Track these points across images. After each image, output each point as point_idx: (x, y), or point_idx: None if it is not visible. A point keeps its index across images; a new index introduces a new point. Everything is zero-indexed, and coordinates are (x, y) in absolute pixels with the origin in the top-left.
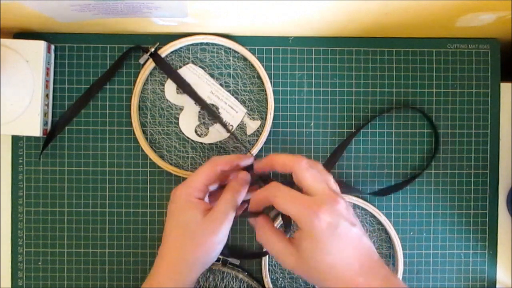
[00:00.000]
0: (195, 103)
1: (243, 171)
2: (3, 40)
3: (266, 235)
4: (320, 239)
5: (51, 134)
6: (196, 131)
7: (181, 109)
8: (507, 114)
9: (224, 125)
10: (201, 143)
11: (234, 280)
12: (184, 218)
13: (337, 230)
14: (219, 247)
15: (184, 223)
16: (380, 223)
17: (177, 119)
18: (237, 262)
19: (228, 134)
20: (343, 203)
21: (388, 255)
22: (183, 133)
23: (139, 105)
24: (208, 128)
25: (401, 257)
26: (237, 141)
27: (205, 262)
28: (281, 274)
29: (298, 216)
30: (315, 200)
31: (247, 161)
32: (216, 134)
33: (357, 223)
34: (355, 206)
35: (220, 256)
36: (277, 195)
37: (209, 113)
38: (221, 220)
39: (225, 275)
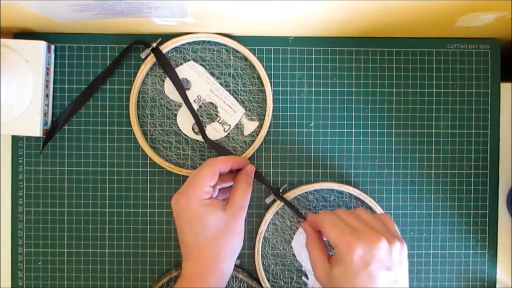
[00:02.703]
0: (193, 101)
1: (250, 164)
2: (3, 40)
3: (313, 245)
4: (349, 269)
5: (53, 129)
6: (193, 129)
7: (180, 106)
8: (507, 114)
9: (205, 136)
10: (198, 141)
11: (233, 280)
12: (207, 221)
13: (368, 268)
14: (243, 233)
15: (210, 225)
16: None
17: (176, 116)
18: (237, 262)
19: (226, 134)
20: (385, 245)
21: None
22: (181, 131)
23: (138, 101)
24: (205, 126)
25: None
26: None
27: (238, 249)
28: (273, 261)
29: (336, 242)
30: (355, 233)
31: (242, 164)
32: (213, 132)
33: (394, 268)
34: (351, 197)
35: None
36: (324, 221)
37: (196, 120)
38: (240, 210)
39: None
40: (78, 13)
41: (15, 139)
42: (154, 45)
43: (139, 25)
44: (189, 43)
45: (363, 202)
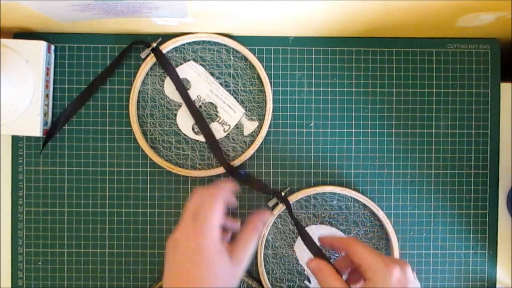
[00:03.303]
0: (193, 101)
1: (266, 210)
2: (3, 40)
3: (334, 277)
4: None
5: (53, 129)
6: (193, 129)
7: (180, 106)
8: (507, 114)
9: (211, 137)
10: (197, 141)
11: None
12: (216, 269)
13: None
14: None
15: (217, 274)
16: (378, 219)
17: (175, 116)
18: None
19: (226, 134)
20: (410, 269)
21: (384, 252)
22: (180, 131)
23: (138, 101)
24: None
25: (397, 255)
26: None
27: None
28: (275, 264)
29: (373, 265)
30: (387, 258)
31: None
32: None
33: (418, 286)
34: (354, 201)
35: None
36: (357, 244)
37: (197, 119)
38: (245, 262)
39: None
40: (78, 13)
41: (15, 139)
42: (154, 45)
43: (139, 25)
44: (189, 43)
45: (365, 206)
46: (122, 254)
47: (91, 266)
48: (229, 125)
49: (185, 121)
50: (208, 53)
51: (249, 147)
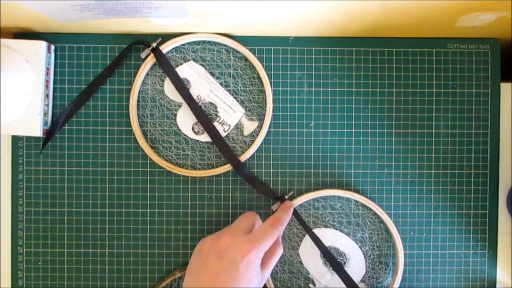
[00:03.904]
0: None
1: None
2: (3, 40)
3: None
4: None
5: (53, 129)
6: (193, 129)
7: (180, 105)
8: (507, 114)
9: (216, 134)
10: (197, 141)
11: None
12: (252, 281)
13: None
14: None
15: (251, 285)
16: (382, 221)
17: (175, 116)
18: None
19: (226, 134)
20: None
21: (388, 254)
22: (180, 131)
23: (138, 101)
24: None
25: (402, 257)
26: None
27: None
28: (280, 268)
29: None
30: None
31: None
32: None
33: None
34: (358, 204)
35: None
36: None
37: (200, 119)
38: (270, 272)
39: None
40: (78, 13)
41: (15, 139)
42: (154, 45)
43: (139, 25)
44: (189, 43)
45: (369, 209)
46: (122, 254)
47: (91, 266)
48: (229, 125)
49: (185, 121)
50: (208, 53)
51: (249, 147)
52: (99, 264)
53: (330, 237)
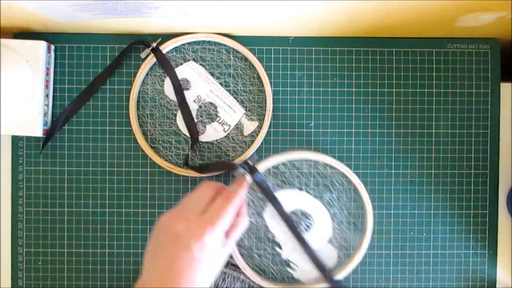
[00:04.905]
0: (193, 101)
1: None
2: (3, 40)
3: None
4: None
5: (53, 129)
6: None
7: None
8: (507, 114)
9: (194, 145)
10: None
11: (235, 281)
12: (213, 262)
13: None
14: None
15: (211, 266)
16: (350, 182)
17: (175, 116)
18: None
19: (226, 134)
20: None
21: (358, 214)
22: (180, 131)
23: (138, 101)
24: (205, 126)
25: (371, 217)
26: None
27: None
28: (245, 235)
29: None
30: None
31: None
32: (213, 132)
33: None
34: (326, 166)
35: None
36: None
37: (187, 122)
38: (237, 236)
39: (226, 276)
40: (78, 13)
41: (15, 139)
42: (154, 45)
43: (139, 25)
44: (189, 43)
45: (337, 169)
46: (122, 254)
47: (91, 266)
48: (229, 125)
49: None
50: (208, 53)
51: (249, 147)
52: (99, 264)
53: (297, 199)
